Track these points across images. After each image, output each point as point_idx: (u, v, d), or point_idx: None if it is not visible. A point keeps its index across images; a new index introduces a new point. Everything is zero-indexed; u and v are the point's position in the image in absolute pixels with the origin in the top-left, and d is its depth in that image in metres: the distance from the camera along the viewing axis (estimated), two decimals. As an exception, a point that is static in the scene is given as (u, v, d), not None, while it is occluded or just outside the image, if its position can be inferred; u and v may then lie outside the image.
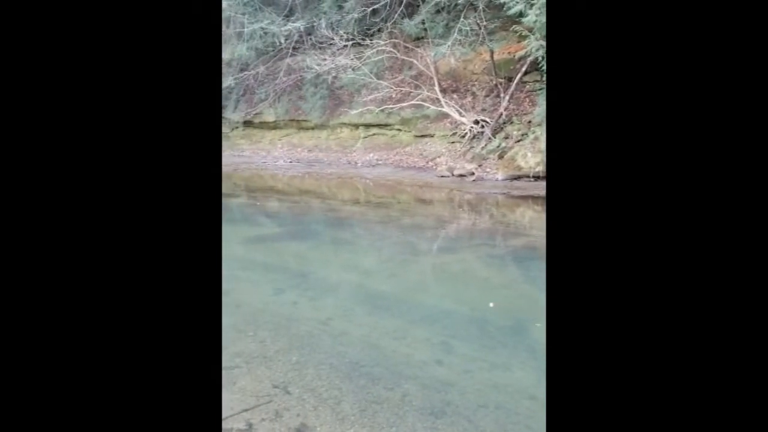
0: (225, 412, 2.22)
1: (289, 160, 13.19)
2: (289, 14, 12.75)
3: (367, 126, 12.48)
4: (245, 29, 12.50)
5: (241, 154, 14.24)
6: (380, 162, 11.72)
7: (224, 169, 12.80)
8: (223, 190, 10.39)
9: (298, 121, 13.81)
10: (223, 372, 2.59)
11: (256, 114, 14.30)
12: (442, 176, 9.83)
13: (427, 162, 10.96)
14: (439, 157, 10.89)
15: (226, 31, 12.81)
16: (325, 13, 12.28)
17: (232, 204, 8.84)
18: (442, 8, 10.70)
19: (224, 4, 12.38)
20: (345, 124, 12.84)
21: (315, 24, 12.31)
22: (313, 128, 13.55)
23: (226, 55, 13.05)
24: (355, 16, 11.52)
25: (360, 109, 11.95)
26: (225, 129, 15.21)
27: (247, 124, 14.77)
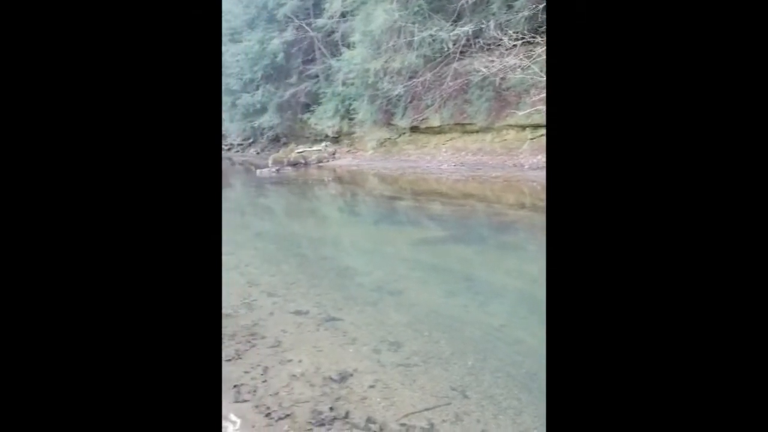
0: (407, 408, 2.31)
1: (453, 164, 13.30)
2: (457, 19, 12.84)
3: (535, 127, 11.97)
4: (415, 38, 12.93)
5: (407, 159, 14.77)
6: (548, 165, 11.15)
7: (390, 173, 13.44)
8: (389, 193, 10.92)
9: (462, 124, 13.85)
10: (403, 369, 2.70)
11: (422, 120, 14.71)
12: (620, 180, 8.98)
13: (603, 164, 10.12)
14: (616, 159, 9.98)
15: (397, 41, 13.39)
16: (494, 14, 12.10)
17: (398, 206, 9.21)
18: (624, -3, 9.78)
19: (396, 15, 12.95)
20: (511, 125, 12.50)
21: (483, 26, 12.21)
22: (477, 131, 13.46)
23: (396, 64, 13.64)
24: (526, 14, 11.15)
25: (528, 110, 11.51)
26: (393, 135, 15.93)
27: (414, 129, 15.26)
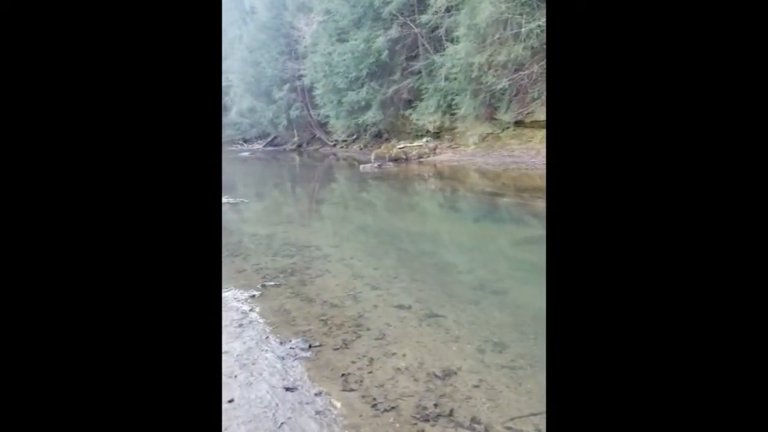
0: (512, 412, 2.26)
1: (560, 160, 12.67)
2: (569, 7, 12.20)
3: (654, 121, 11.05)
4: (522, 29, 12.50)
5: (511, 154, 14.35)
6: (669, 161, 10.23)
7: (492, 168, 13.13)
8: (491, 189, 10.68)
9: (571, 118, 13.17)
10: (508, 371, 2.64)
11: (527, 113, 14.20)
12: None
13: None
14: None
15: (503, 33, 13.03)
16: (609, 0, 11.34)
17: (500, 203, 8.99)
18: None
19: (502, 7, 12.59)
20: (626, 119, 11.65)
21: (597, 14, 11.47)
22: (587, 125, 12.73)
23: (501, 57, 13.28)
24: None
25: (646, 103, 10.64)
26: (495, 130, 15.56)
27: (518, 123, 14.79)
